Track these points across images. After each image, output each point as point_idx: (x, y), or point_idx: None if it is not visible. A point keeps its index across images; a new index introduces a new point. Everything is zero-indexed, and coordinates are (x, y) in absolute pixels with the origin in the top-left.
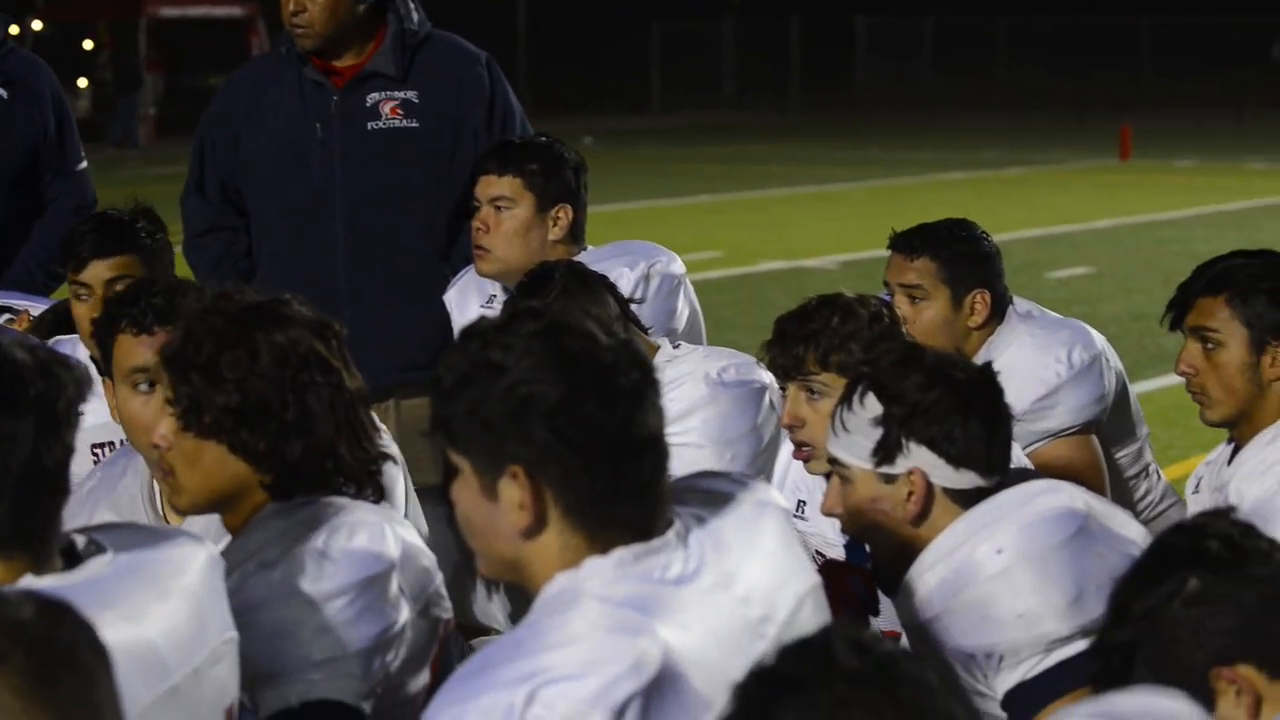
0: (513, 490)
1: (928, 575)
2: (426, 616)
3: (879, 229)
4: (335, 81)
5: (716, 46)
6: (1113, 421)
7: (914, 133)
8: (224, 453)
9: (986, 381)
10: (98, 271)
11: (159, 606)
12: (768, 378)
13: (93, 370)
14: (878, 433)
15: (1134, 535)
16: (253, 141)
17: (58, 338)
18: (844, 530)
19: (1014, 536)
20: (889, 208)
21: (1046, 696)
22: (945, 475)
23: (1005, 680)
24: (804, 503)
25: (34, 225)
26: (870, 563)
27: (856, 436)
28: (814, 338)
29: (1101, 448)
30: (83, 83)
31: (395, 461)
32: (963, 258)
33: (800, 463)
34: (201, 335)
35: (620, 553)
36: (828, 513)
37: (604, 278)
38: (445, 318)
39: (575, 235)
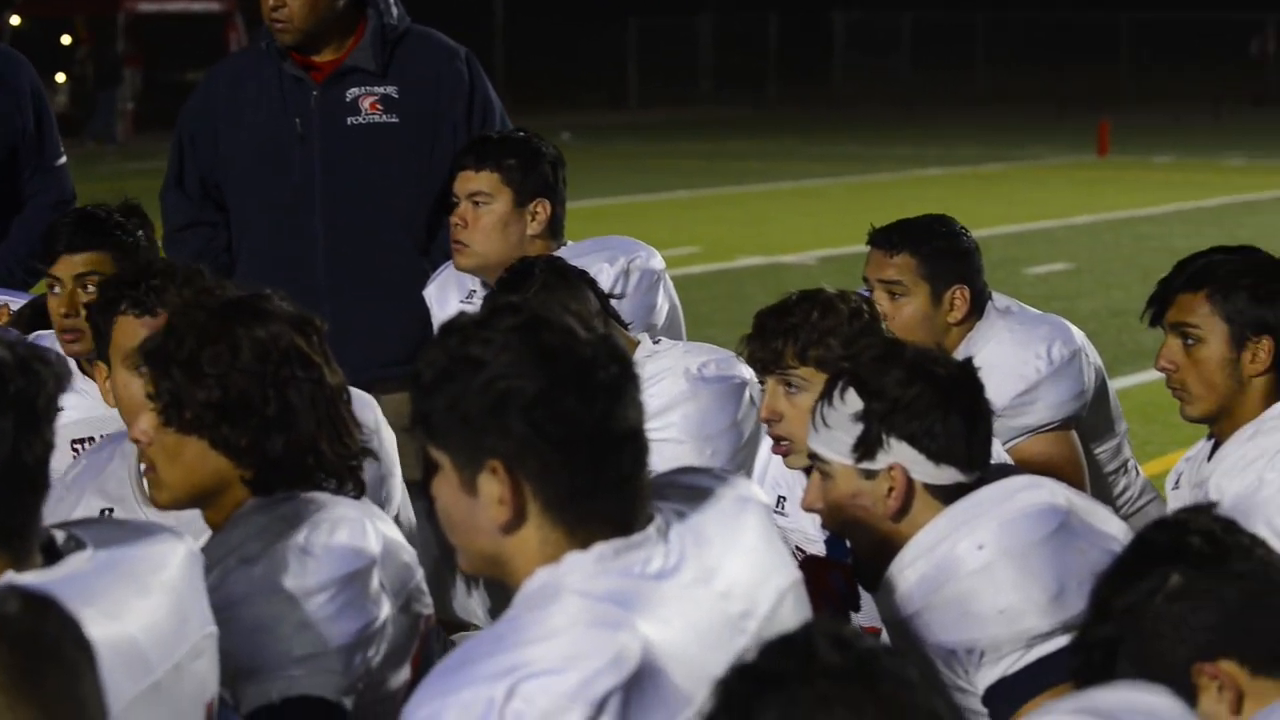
0: (492, 485)
1: (908, 571)
2: (407, 612)
3: (857, 225)
4: (315, 77)
5: (694, 42)
6: (1092, 417)
7: (892, 128)
8: (205, 448)
9: (967, 377)
10: (68, 266)
11: (139, 602)
12: (748, 373)
13: (72, 364)
14: (858, 428)
15: (1115, 531)
16: (232, 136)
17: (37, 332)
18: (824, 526)
19: (995, 532)
20: (867, 203)
21: (1028, 692)
22: (926, 471)
23: (986, 676)
24: (784, 498)
25: (13, 221)
26: (851, 558)
27: (837, 432)
28: (793, 332)
29: (1081, 443)
30: (61, 78)
31: (378, 459)
32: (942, 253)
33: (780, 458)
34: (183, 330)
35: (600, 548)
36: (808, 508)
37: (584, 273)
38: (425, 313)
39: (554, 230)
